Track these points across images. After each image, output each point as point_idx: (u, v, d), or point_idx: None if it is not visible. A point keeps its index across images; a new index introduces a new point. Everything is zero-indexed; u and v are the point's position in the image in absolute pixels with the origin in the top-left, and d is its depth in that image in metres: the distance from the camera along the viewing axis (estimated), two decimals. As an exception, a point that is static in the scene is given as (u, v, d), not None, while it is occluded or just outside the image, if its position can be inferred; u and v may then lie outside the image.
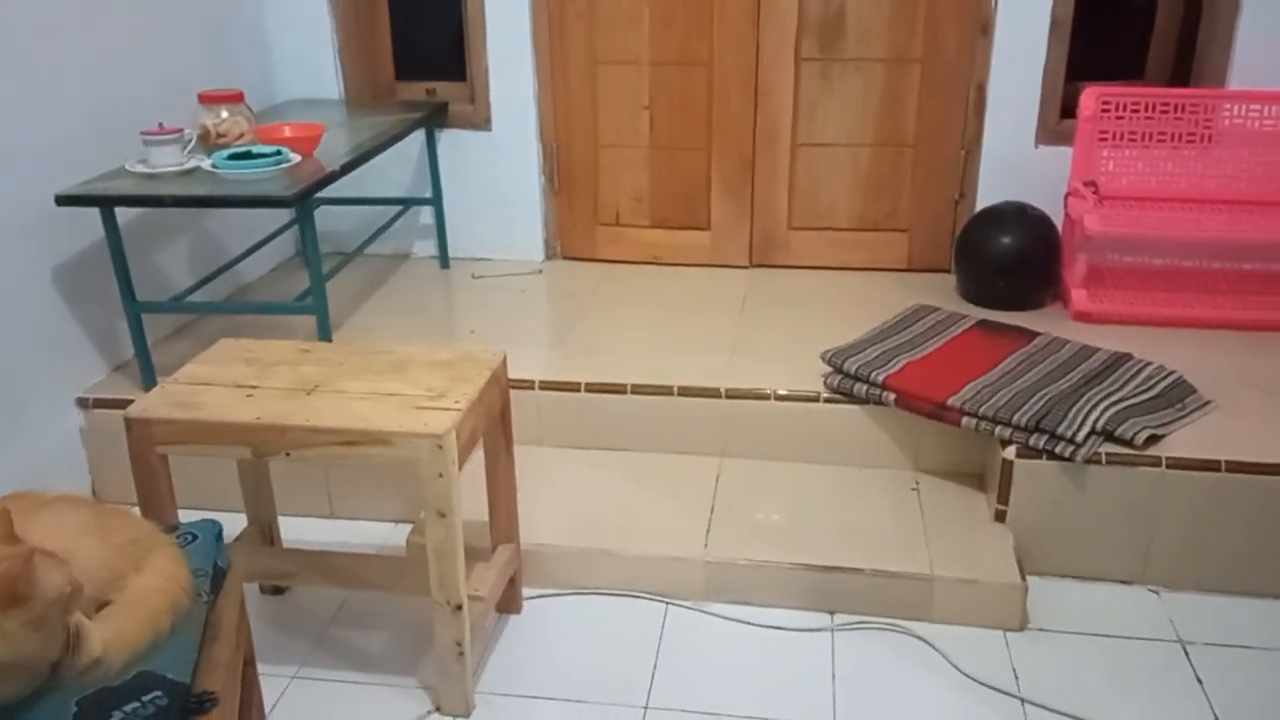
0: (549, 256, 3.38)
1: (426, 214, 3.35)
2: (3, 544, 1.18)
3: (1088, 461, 2.08)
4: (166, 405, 1.72)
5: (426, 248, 3.41)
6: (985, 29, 2.94)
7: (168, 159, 2.33)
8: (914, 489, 2.32)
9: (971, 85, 3.00)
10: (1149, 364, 2.38)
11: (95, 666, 1.21)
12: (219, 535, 1.48)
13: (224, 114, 2.50)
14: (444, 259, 3.34)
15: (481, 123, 3.23)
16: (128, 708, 1.18)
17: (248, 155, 2.37)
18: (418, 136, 3.19)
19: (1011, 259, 2.80)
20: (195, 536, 1.46)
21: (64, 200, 2.22)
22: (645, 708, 1.86)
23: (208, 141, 2.47)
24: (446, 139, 3.25)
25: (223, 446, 1.69)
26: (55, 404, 2.37)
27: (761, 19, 3.03)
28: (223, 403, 1.73)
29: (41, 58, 2.28)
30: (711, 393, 2.44)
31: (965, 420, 2.19)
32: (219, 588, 1.42)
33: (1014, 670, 1.93)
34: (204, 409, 1.71)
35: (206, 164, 2.35)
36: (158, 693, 1.20)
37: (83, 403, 2.43)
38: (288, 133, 2.53)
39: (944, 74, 3.02)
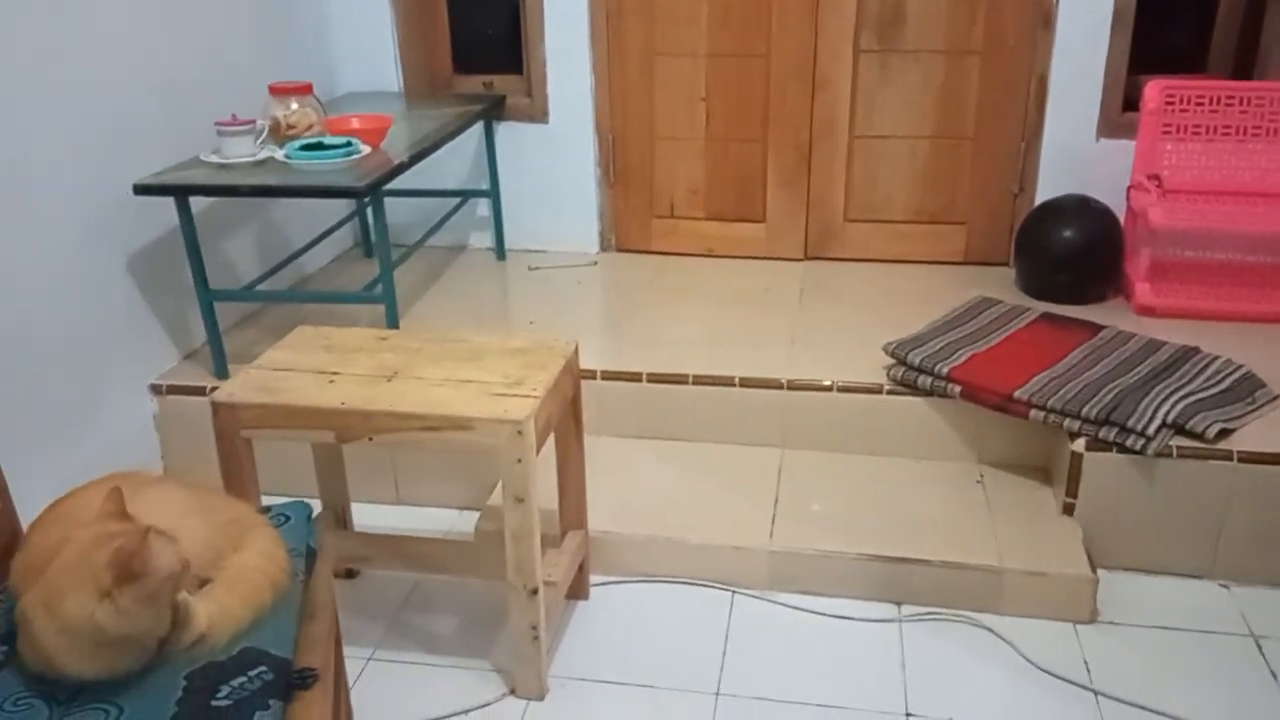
0: (603, 249, 3.40)
1: (483, 206, 3.38)
2: (118, 521, 1.22)
3: (1158, 455, 2.07)
4: (251, 390, 1.76)
5: (483, 239, 3.44)
6: (1047, 21, 2.92)
7: (241, 149, 2.38)
8: (978, 481, 2.32)
9: (1032, 77, 2.99)
10: (1217, 357, 2.37)
11: (201, 642, 1.25)
12: (310, 517, 1.52)
13: (294, 105, 2.53)
14: (500, 250, 3.37)
15: (539, 115, 3.26)
16: (235, 682, 1.21)
17: (319, 146, 2.40)
18: (474, 128, 3.22)
19: (1074, 252, 2.79)
20: (288, 518, 1.49)
21: (142, 189, 2.27)
22: (716, 694, 1.88)
23: (278, 133, 2.51)
24: (503, 131, 3.28)
25: (307, 431, 1.72)
26: (129, 390, 2.42)
27: (820, 11, 3.03)
28: (306, 388, 1.76)
29: (118, 51, 2.33)
30: (773, 384, 2.45)
31: (1033, 413, 2.18)
32: (311, 568, 1.45)
33: (1085, 662, 1.93)
34: (288, 394, 1.74)
35: (279, 154, 2.39)
36: (263, 668, 1.23)
37: (156, 389, 2.48)
38: (356, 124, 2.57)
39: (1004, 66, 3.01)
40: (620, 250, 3.41)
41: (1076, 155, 2.98)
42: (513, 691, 1.89)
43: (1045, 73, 2.95)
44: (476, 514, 2.31)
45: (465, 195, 3.32)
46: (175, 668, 1.22)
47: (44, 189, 2.14)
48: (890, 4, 3.00)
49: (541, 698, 1.88)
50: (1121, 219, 2.86)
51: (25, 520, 1.41)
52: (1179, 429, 2.11)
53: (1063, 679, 1.89)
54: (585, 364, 2.47)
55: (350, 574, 2.21)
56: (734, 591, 2.15)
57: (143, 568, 1.16)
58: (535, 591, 1.80)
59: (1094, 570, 2.03)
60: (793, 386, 2.44)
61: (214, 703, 1.18)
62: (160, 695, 1.19)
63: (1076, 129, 2.97)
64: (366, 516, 2.35)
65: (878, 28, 3.03)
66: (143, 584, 1.16)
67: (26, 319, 2.11)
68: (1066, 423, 2.15)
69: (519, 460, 1.69)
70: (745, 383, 2.46)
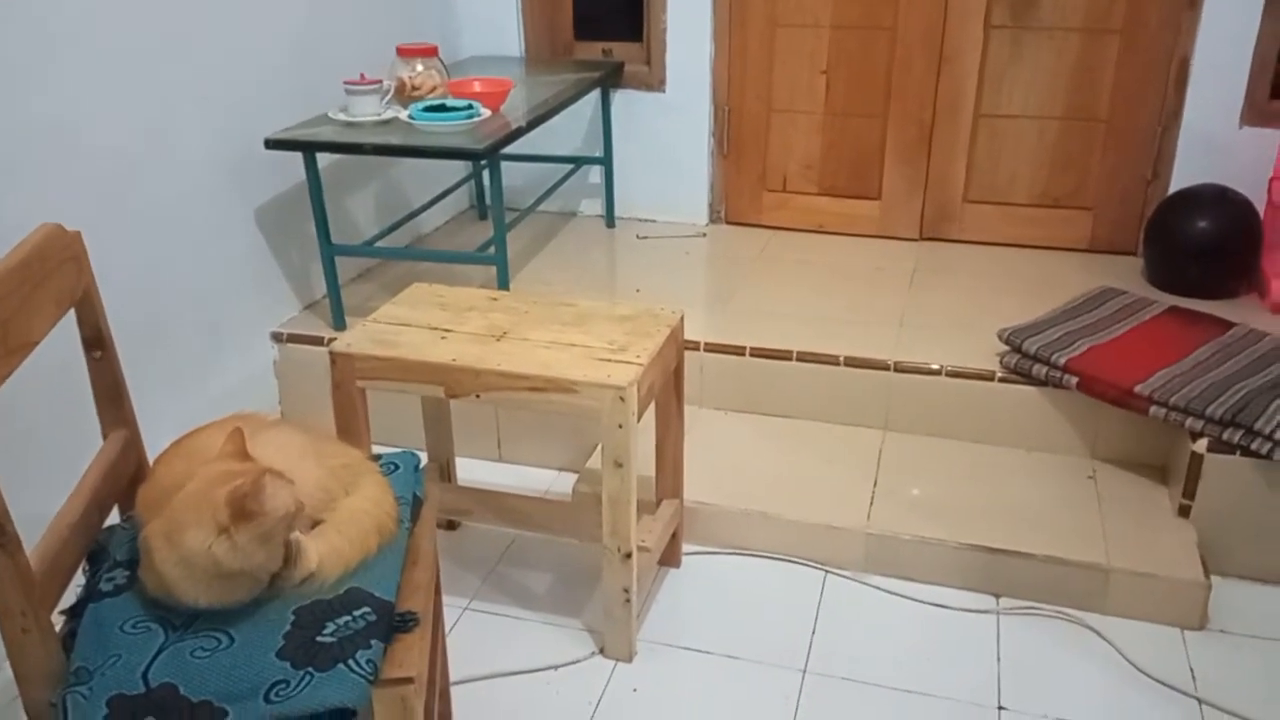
0: (713, 220, 3.39)
1: (595, 173, 3.40)
2: (238, 461, 1.27)
3: (1286, 461, 1.97)
4: (368, 342, 1.81)
5: (593, 206, 3.47)
6: (1193, 0, 2.77)
7: (367, 108, 2.44)
8: (1090, 477, 2.25)
9: (1174, 59, 2.84)
10: (1359, 363, 2.23)
11: (310, 580, 1.30)
12: (418, 467, 1.56)
13: (419, 67, 2.58)
14: (610, 218, 3.38)
15: (656, 84, 3.25)
16: (340, 620, 1.26)
17: (442, 108, 2.44)
18: (591, 95, 3.23)
19: (1208, 244, 2.66)
20: (397, 466, 1.54)
21: (272, 144, 2.35)
22: (804, 671, 1.88)
23: (403, 93, 2.56)
24: (620, 99, 3.28)
25: (418, 384, 1.77)
26: (252, 336, 2.53)
27: (951, -16, 2.94)
28: (420, 343, 1.81)
29: (253, 10, 2.40)
30: (879, 365, 2.41)
31: (1153, 409, 2.10)
32: (416, 516, 1.49)
33: (1191, 669, 1.86)
34: (403, 348, 1.79)
35: (403, 115, 2.44)
36: (367, 609, 1.28)
37: (277, 337, 2.58)
38: (478, 87, 2.60)
39: (1144, 46, 2.87)
40: (729, 223, 3.39)
41: (1216, 143, 2.83)
42: (601, 651, 1.93)
43: (1188, 54, 2.81)
44: (574, 476, 2.35)
45: (578, 162, 3.34)
46: (285, 602, 1.27)
47: (181, 142, 2.23)
48: (1026, -22, 2.90)
49: (629, 659, 1.90)
50: (1261, 211, 2.71)
51: (151, 453, 1.49)
52: (1311, 435, 2.00)
53: (1166, 685, 1.83)
54: (689, 335, 2.46)
55: (451, 525, 2.28)
56: (827, 571, 2.14)
57: (258, 507, 1.21)
58: (629, 555, 1.82)
59: (1207, 575, 1.95)
60: (899, 368, 2.40)
61: (319, 639, 1.22)
62: (270, 627, 1.24)
63: (1218, 115, 2.81)
64: (469, 471, 2.42)
65: (1011, 3, 2.92)
66: (258, 523, 1.21)
67: (161, 265, 2.21)
68: (1189, 422, 2.06)
69: (620, 425, 1.71)
70: (850, 362, 2.43)
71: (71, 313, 1.39)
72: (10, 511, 1.14)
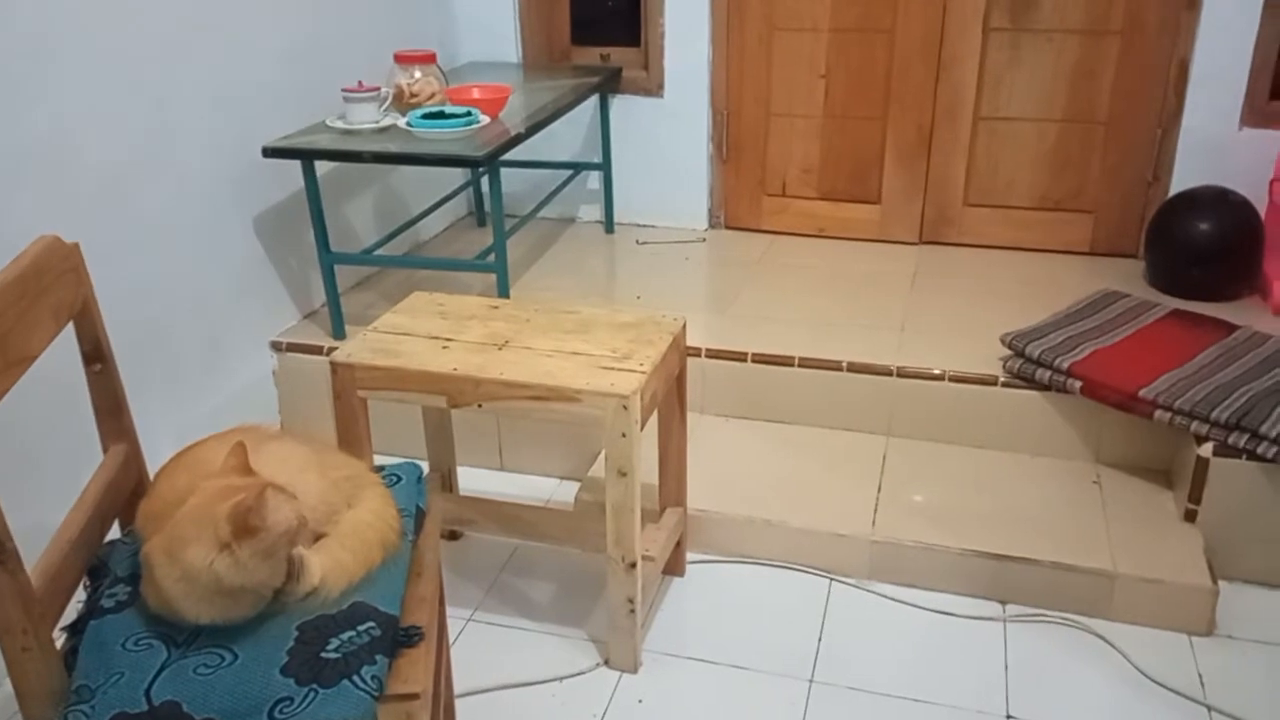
0: (712, 225, 3.38)
1: (593, 179, 3.39)
2: (240, 475, 1.26)
3: (1292, 464, 1.97)
4: (369, 352, 1.80)
5: (592, 212, 3.45)
6: (1192, 1, 2.77)
7: (365, 116, 2.42)
8: (1095, 482, 2.24)
9: (1173, 61, 2.84)
10: (1363, 365, 2.23)
11: (313, 595, 1.29)
12: (420, 478, 1.54)
13: (417, 74, 2.57)
14: (609, 224, 3.37)
15: (654, 89, 3.24)
16: (344, 635, 1.24)
17: (440, 115, 2.43)
18: (589, 100, 3.22)
19: (1210, 246, 2.65)
20: (400, 478, 1.52)
21: (270, 152, 2.33)
22: (810, 680, 1.86)
23: (401, 100, 2.55)
24: (618, 104, 3.27)
25: (420, 394, 1.76)
26: (251, 346, 2.51)
27: (950, -13, 2.93)
28: (421, 352, 1.80)
29: (251, 18, 2.39)
30: (882, 370, 2.40)
31: (1158, 413, 2.09)
32: (420, 528, 1.48)
33: (1199, 675, 1.85)
34: (404, 357, 1.78)
35: (401, 122, 2.43)
36: (371, 623, 1.26)
37: (276, 346, 2.56)
38: (476, 94, 2.59)
39: (1144, 48, 2.86)
40: (729, 228, 3.38)
41: (1217, 144, 2.82)
42: (606, 662, 1.91)
43: (1187, 56, 2.81)
44: (576, 484, 2.33)
45: (577, 168, 3.33)
46: (289, 617, 1.26)
47: (178, 151, 2.22)
48: (1024, -19, 2.89)
49: (634, 670, 1.89)
50: (1262, 213, 2.71)
51: (150, 464, 1.47)
52: (1317, 438, 1.99)
53: (1174, 691, 1.82)
54: (690, 341, 2.45)
55: (453, 535, 2.26)
56: (832, 579, 2.12)
57: (260, 523, 1.19)
58: (633, 565, 1.81)
59: (1214, 581, 1.94)
60: (902, 374, 2.39)
61: (323, 654, 1.21)
62: (273, 643, 1.22)
63: (1218, 116, 2.81)
64: (471, 481, 2.40)
65: (1010, 5, 2.92)
66: (260, 539, 1.19)
67: (158, 274, 2.20)
68: (1194, 425, 2.05)
69: (623, 434, 1.70)
70: (852, 367, 2.42)
71: (70, 325, 1.37)
72: (10, 527, 1.12)
